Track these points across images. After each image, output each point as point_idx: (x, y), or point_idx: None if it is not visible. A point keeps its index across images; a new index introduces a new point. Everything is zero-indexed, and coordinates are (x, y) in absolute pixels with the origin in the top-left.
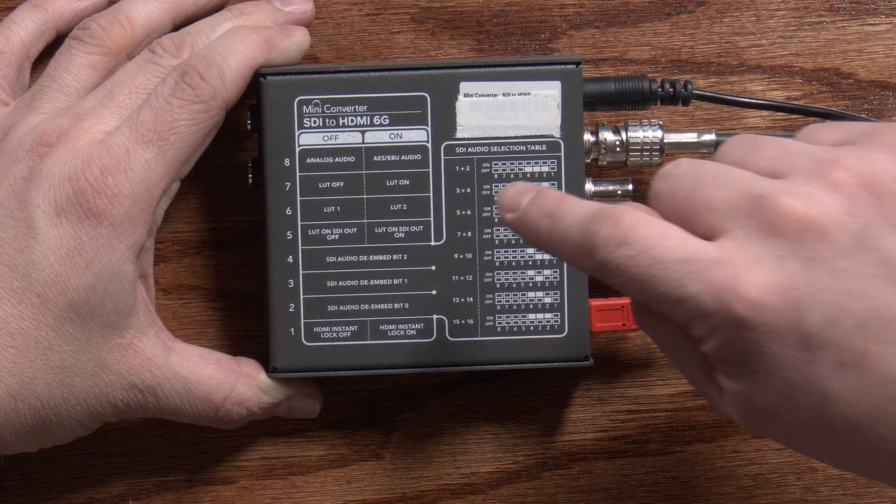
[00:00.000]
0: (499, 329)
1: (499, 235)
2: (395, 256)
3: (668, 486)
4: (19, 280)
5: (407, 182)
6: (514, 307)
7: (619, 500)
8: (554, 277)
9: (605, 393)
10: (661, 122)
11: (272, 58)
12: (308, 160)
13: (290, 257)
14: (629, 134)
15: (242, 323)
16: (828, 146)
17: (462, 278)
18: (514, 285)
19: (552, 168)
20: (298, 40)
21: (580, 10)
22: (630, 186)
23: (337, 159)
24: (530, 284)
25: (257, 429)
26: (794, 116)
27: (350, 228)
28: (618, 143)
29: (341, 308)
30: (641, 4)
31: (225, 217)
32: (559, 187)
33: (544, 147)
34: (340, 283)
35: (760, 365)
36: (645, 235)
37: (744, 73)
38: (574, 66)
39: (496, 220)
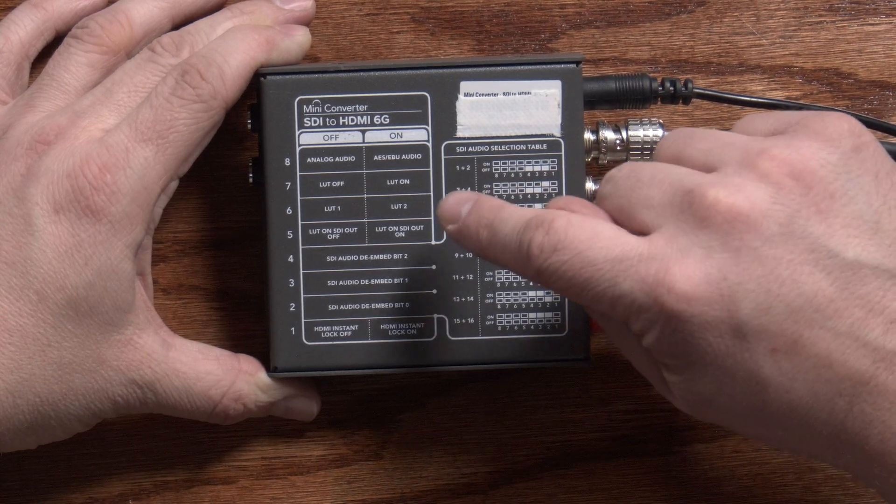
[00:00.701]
0: (499, 328)
1: None
2: (395, 256)
3: (668, 486)
4: (17, 277)
5: (407, 181)
6: (515, 306)
7: (618, 500)
8: None
9: (605, 393)
10: (661, 122)
11: (272, 57)
12: (308, 160)
13: (291, 257)
14: (630, 133)
15: (242, 323)
16: (760, 136)
17: (462, 277)
18: (515, 284)
19: (553, 167)
20: (299, 40)
21: (580, 10)
22: None
23: (337, 159)
24: (530, 284)
25: (257, 429)
26: None
27: (350, 228)
28: (618, 141)
29: (342, 307)
30: (641, 4)
31: (225, 217)
32: (560, 186)
33: (545, 146)
34: (341, 283)
35: (697, 355)
36: (576, 238)
37: (744, 73)
38: (574, 66)
39: None
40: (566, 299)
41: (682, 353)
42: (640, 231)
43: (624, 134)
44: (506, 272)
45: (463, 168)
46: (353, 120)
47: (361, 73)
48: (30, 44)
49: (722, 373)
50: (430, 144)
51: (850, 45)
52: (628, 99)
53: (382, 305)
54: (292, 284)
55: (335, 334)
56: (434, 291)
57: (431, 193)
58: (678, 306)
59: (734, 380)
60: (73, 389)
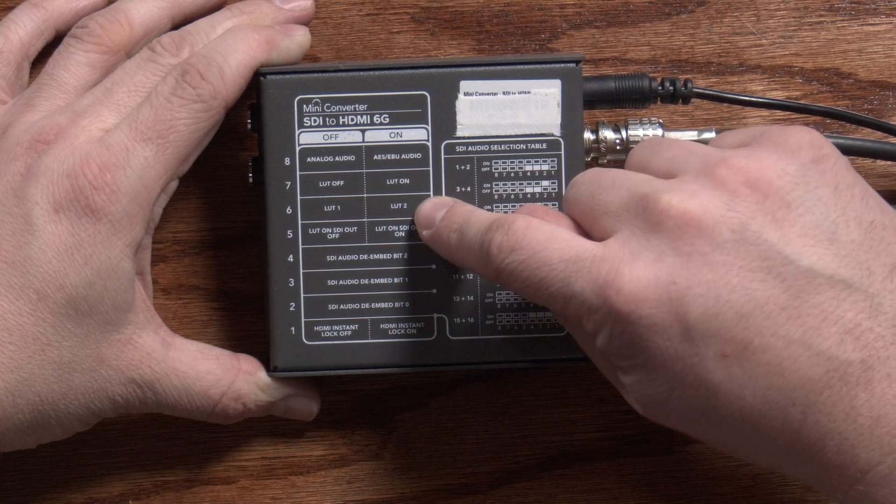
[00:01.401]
0: (499, 328)
1: None
2: (395, 255)
3: (668, 486)
4: (17, 276)
5: (407, 181)
6: (515, 306)
7: (618, 500)
8: None
9: (605, 392)
10: (661, 121)
11: (272, 57)
12: (308, 159)
13: (291, 256)
14: (629, 132)
15: (242, 323)
16: (727, 148)
17: (462, 277)
18: None
19: (552, 167)
20: (299, 40)
21: (580, 10)
22: None
23: (337, 158)
24: None
25: (257, 429)
26: (795, 115)
27: (350, 227)
28: (618, 141)
29: (342, 307)
30: (641, 4)
31: (225, 217)
32: (559, 186)
33: (544, 145)
34: (341, 282)
35: (646, 357)
36: (533, 239)
37: (744, 73)
38: (574, 65)
39: None
40: None
41: (633, 354)
42: (601, 237)
43: (623, 134)
44: None
45: (463, 167)
46: (352, 119)
47: (361, 73)
48: (30, 43)
49: (672, 376)
50: (429, 144)
51: (850, 45)
52: (628, 99)
53: (382, 305)
54: (292, 284)
55: (335, 334)
56: (434, 291)
57: (431, 193)
58: (626, 307)
59: (684, 384)
60: (73, 389)
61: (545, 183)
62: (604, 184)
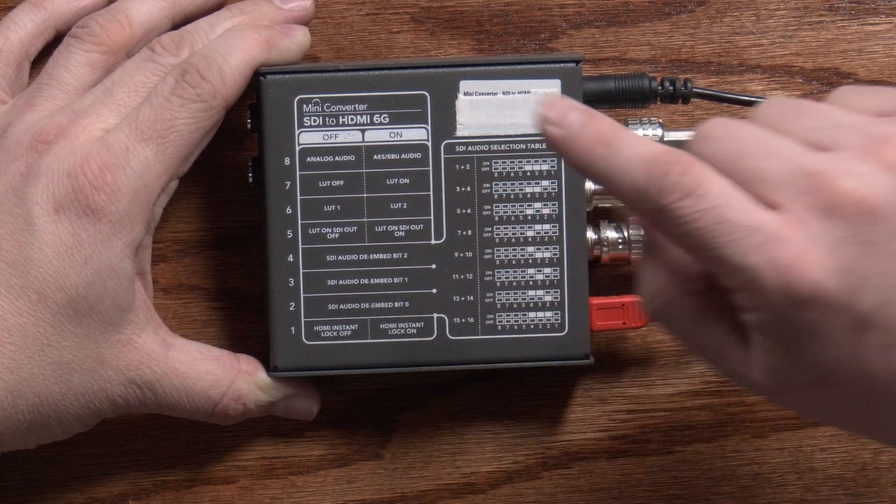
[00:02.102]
0: (499, 328)
1: (499, 234)
2: (395, 255)
3: (668, 486)
4: (17, 276)
5: (407, 181)
6: (515, 305)
7: (618, 500)
8: (554, 276)
9: (605, 392)
10: (661, 121)
11: (272, 57)
12: (308, 159)
13: (291, 256)
14: None
15: (242, 323)
16: (869, 117)
17: (462, 277)
18: (515, 283)
19: (552, 166)
20: (299, 39)
21: (580, 10)
22: None
23: (337, 158)
24: (530, 283)
25: (257, 429)
26: None
27: (350, 227)
28: None
29: (342, 307)
30: (641, 4)
31: (225, 217)
32: (559, 185)
33: (544, 145)
34: (341, 282)
35: (809, 344)
36: (713, 191)
37: (744, 72)
38: (574, 65)
39: (496, 218)
40: (566, 299)
41: (794, 339)
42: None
43: None
44: (505, 271)
45: (462, 167)
46: (352, 119)
47: (361, 73)
48: (30, 43)
49: (831, 363)
50: (429, 144)
51: (850, 45)
52: (628, 98)
53: (382, 305)
54: (292, 284)
55: (335, 334)
56: (434, 291)
57: (431, 193)
58: (808, 295)
59: (840, 372)
60: (73, 389)
61: (545, 183)
62: (749, 145)
